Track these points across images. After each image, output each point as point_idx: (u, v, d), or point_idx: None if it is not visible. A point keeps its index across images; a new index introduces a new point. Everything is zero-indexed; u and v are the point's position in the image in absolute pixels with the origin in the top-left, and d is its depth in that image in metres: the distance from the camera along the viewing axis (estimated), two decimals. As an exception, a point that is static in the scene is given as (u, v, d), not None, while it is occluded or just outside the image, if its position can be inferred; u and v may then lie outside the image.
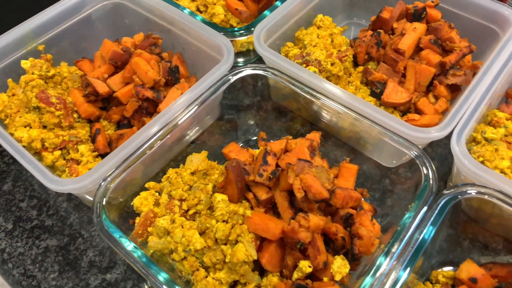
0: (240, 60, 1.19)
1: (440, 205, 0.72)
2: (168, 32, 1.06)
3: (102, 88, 0.94)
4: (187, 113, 0.86)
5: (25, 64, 0.97)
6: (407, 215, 0.72)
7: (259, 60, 0.97)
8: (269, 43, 1.04)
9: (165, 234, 0.76)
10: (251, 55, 1.19)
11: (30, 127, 0.90)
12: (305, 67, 0.98)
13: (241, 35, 1.01)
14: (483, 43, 1.03)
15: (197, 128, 0.98)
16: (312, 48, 1.01)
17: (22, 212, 0.92)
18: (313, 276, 0.76)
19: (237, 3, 1.13)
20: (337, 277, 0.73)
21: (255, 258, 0.74)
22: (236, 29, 1.01)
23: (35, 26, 1.02)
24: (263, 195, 0.80)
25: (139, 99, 0.93)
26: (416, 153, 0.78)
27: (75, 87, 0.98)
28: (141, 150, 0.81)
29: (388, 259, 0.69)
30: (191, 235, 0.74)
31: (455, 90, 1.00)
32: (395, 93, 0.97)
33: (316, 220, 0.74)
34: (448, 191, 0.73)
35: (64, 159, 0.90)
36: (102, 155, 0.92)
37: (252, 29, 1.00)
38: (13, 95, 0.95)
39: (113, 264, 0.85)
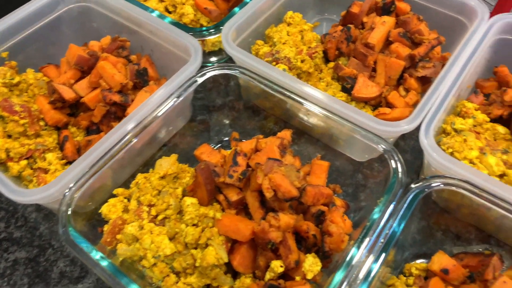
0: (213, 59, 1.18)
1: (409, 199, 0.72)
2: (136, 34, 1.04)
3: (68, 94, 0.92)
4: (155, 115, 0.85)
5: (-13, 72, 0.95)
6: (376, 210, 0.72)
7: (231, 59, 0.97)
8: (240, 41, 1.03)
9: (134, 241, 0.75)
10: (223, 54, 1.18)
11: (-6, 137, 0.88)
12: (275, 65, 0.97)
13: (210, 34, 1.00)
14: (452, 34, 1.04)
15: (168, 130, 0.97)
16: (282, 45, 1.00)
17: (-10, 225, 0.91)
18: (286, 275, 0.75)
19: (206, 2, 1.12)
20: (309, 276, 0.72)
21: (226, 261, 0.73)
22: (204, 28, 1.00)
23: (-3, 32, 0.99)
24: (233, 196, 0.79)
25: (107, 103, 0.92)
26: (384, 148, 0.78)
27: (41, 94, 0.96)
28: (108, 155, 0.80)
29: (358, 254, 0.69)
30: (160, 240, 0.73)
31: (425, 82, 1.00)
32: (365, 87, 0.97)
33: (286, 219, 0.73)
34: (416, 185, 0.73)
35: (32, 168, 0.88)
36: (72, 163, 0.91)
37: (221, 28, 0.99)
38: (-23, 104, 0.93)
39: (85, 273, 0.84)
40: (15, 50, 1.03)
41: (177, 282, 0.73)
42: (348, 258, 0.68)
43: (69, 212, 0.73)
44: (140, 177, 0.83)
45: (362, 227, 0.72)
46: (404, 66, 0.98)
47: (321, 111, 0.85)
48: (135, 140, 0.83)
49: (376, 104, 0.99)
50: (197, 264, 0.72)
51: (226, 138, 1.01)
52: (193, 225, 0.76)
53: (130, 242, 0.75)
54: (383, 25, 1.01)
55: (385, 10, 1.04)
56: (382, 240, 0.69)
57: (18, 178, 0.87)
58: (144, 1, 1.13)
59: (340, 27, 1.07)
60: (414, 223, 0.84)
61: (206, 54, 1.15)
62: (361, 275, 0.67)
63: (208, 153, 0.89)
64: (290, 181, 0.75)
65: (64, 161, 0.91)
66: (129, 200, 0.82)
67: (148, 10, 1.03)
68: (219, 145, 1.01)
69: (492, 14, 1.03)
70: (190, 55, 0.92)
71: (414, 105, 0.97)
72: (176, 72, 0.89)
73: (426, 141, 0.78)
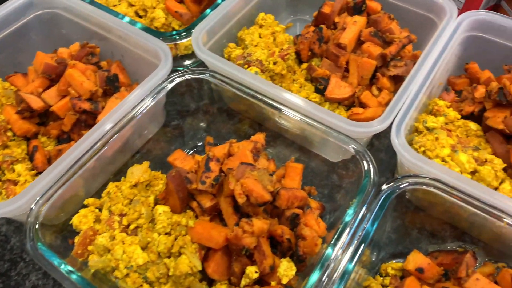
0: (187, 62, 1.17)
1: (381, 199, 0.73)
2: (106, 40, 1.03)
3: (36, 103, 0.90)
4: (125, 122, 0.83)
5: (-48, 83, 0.92)
6: (348, 212, 0.72)
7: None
8: (212, 43, 1.02)
9: (106, 252, 0.73)
10: (197, 57, 1.16)
11: (-41, 150, 0.86)
12: (247, 68, 0.96)
13: (181, 38, 0.99)
14: (423, 32, 1.04)
15: (141, 136, 0.96)
16: (253, 48, 0.99)
17: (-41, 240, 0.88)
18: (262, 281, 0.75)
19: (177, 6, 1.11)
20: (284, 280, 0.72)
21: (200, 268, 0.72)
22: (174, 32, 0.99)
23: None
24: (207, 202, 0.78)
25: (76, 111, 0.90)
26: (355, 149, 0.78)
27: (8, 104, 0.93)
28: (77, 164, 0.78)
29: (332, 256, 0.68)
30: (132, 250, 0.72)
31: (398, 81, 1.00)
32: (338, 88, 0.97)
33: (260, 224, 0.72)
34: (387, 186, 0.73)
35: (0, 180, 0.86)
36: (42, 173, 0.89)
37: (192, 31, 0.98)
38: None
39: (58, 286, 0.82)
40: (-19, 59, 1.01)
41: (150, 292, 0.72)
42: (321, 261, 0.68)
43: (37, 225, 0.71)
44: (111, 186, 0.81)
45: (335, 229, 0.72)
46: (376, 65, 0.98)
47: (293, 113, 0.85)
48: (105, 148, 0.82)
49: (350, 104, 0.99)
50: (170, 273, 0.71)
51: (201, 143, 1.00)
52: (166, 233, 0.75)
53: (102, 253, 0.74)
54: (354, 25, 1.01)
55: (356, 9, 1.04)
56: (355, 242, 0.69)
57: (-13, 191, 0.85)
58: (113, 6, 1.11)
59: (313, 28, 1.07)
60: (389, 223, 0.84)
61: (180, 58, 1.13)
62: (336, 276, 0.67)
63: (182, 159, 0.88)
64: (262, 186, 0.74)
65: (34, 171, 0.89)
66: (100, 210, 0.80)
67: (118, 15, 1.01)
68: (194, 150, 1.00)
69: (461, 11, 1.04)
70: (161, 59, 0.91)
71: (387, 104, 0.96)
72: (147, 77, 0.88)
73: (397, 141, 0.79)
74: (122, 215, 0.77)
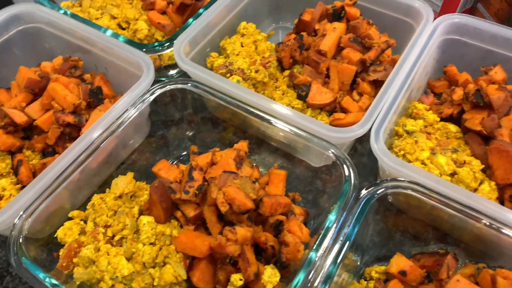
0: (172, 72, 1.18)
1: (361, 204, 0.74)
2: (89, 53, 1.04)
3: (19, 118, 0.91)
4: (108, 133, 0.84)
5: None
6: (329, 217, 0.73)
7: (188, 72, 0.97)
8: (195, 53, 1.03)
9: (91, 263, 0.74)
10: (181, 67, 1.18)
11: None
12: (229, 77, 0.97)
13: (163, 49, 1.00)
14: (402, 37, 1.06)
15: (125, 147, 0.96)
16: (235, 57, 1.01)
17: None
18: None
19: (160, 17, 1.12)
20: (268, 287, 0.73)
21: (185, 277, 0.73)
22: (156, 44, 1.00)
23: None
24: (191, 212, 0.79)
25: (60, 125, 0.91)
26: (336, 154, 0.80)
27: (-8, 119, 0.94)
28: (61, 177, 0.79)
29: (314, 262, 0.69)
30: (117, 262, 0.73)
31: (379, 86, 1.01)
32: (319, 94, 0.98)
33: (243, 232, 0.73)
34: (366, 191, 0.74)
35: (-15, 195, 0.86)
36: (27, 187, 0.89)
37: (174, 42, 0.99)
38: None
39: (44, 299, 0.82)
40: (-35, 75, 1.01)
41: (136, 303, 0.72)
42: (304, 266, 0.69)
43: (21, 240, 0.71)
44: (96, 198, 0.82)
45: (318, 234, 0.73)
46: (356, 71, 0.99)
47: (275, 121, 0.86)
48: (89, 160, 0.82)
49: (331, 109, 1.00)
50: (155, 283, 0.72)
51: (185, 152, 1.01)
52: (151, 243, 0.76)
53: (87, 265, 0.74)
54: (334, 31, 1.02)
55: (335, 16, 1.06)
56: (337, 246, 0.70)
57: (-29, 207, 0.85)
58: (95, 19, 1.12)
59: (294, 36, 1.08)
60: (372, 226, 0.85)
61: (164, 68, 1.14)
62: (319, 280, 0.68)
63: (166, 169, 0.89)
64: (245, 194, 0.75)
65: (19, 186, 0.89)
66: (86, 222, 0.81)
67: (101, 29, 1.02)
68: (179, 159, 1.01)
69: (439, 14, 1.06)
70: (143, 71, 0.92)
71: (368, 108, 0.98)
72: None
73: (377, 146, 0.80)
74: (106, 226, 0.77)
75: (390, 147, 0.89)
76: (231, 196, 0.73)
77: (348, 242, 0.70)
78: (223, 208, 0.74)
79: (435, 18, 1.02)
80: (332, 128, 0.82)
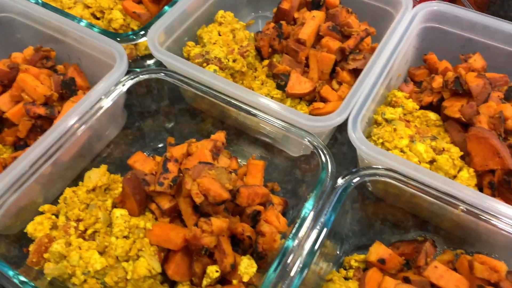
0: (149, 62, 1.15)
1: (337, 193, 0.73)
2: (62, 43, 1.00)
3: (-12, 110, 0.88)
4: (80, 124, 0.82)
5: None
6: (306, 205, 0.72)
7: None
8: (171, 42, 1.01)
9: (62, 258, 0.72)
10: (159, 58, 1.15)
11: None
12: (205, 66, 0.95)
13: (138, 38, 0.97)
14: (382, 25, 1.05)
15: (100, 140, 0.94)
16: (212, 46, 0.98)
17: None
18: (225, 280, 0.74)
19: (135, 6, 1.09)
20: (245, 278, 0.71)
21: (159, 271, 0.71)
22: (130, 33, 0.97)
23: None
24: (166, 204, 0.77)
25: (31, 117, 0.88)
26: (312, 142, 0.78)
27: (-40, 112, 0.91)
28: (30, 170, 0.76)
29: (290, 250, 0.68)
30: (89, 256, 0.71)
31: (359, 74, 1.01)
32: (299, 83, 0.97)
33: (219, 223, 0.72)
34: (343, 179, 0.73)
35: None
36: None
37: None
38: None
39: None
40: None
41: (109, 298, 0.70)
42: (280, 255, 0.68)
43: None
44: (68, 191, 0.80)
45: (294, 223, 0.72)
46: (335, 59, 0.98)
47: (251, 110, 0.84)
48: (60, 152, 0.80)
49: (311, 99, 0.99)
50: (128, 277, 0.70)
51: (162, 144, 0.99)
52: (124, 237, 0.74)
53: (58, 260, 0.72)
54: (313, 20, 1.01)
55: (314, 4, 1.05)
56: (314, 234, 0.69)
57: None
58: (68, 8, 1.09)
59: (273, 25, 1.06)
60: (351, 215, 0.84)
61: (140, 59, 1.12)
62: (295, 269, 0.66)
63: (142, 161, 0.87)
64: (220, 184, 0.74)
65: (-11, 181, 0.86)
66: (57, 216, 0.79)
67: (75, 19, 0.99)
68: (155, 152, 0.98)
69: (418, 2, 1.05)
70: (116, 61, 0.89)
71: (347, 97, 0.97)
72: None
73: (354, 134, 0.79)
74: (78, 220, 0.75)
75: (369, 136, 0.88)
76: (206, 187, 0.72)
77: (325, 231, 0.69)
78: (198, 199, 0.72)
79: (414, 6, 1.01)
80: (310, 117, 0.81)
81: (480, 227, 0.74)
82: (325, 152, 0.76)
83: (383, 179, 0.74)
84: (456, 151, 0.85)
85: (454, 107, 0.91)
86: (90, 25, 0.98)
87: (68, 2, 1.10)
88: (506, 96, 0.93)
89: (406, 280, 0.72)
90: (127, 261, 0.72)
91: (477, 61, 0.98)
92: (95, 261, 0.70)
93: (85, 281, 0.71)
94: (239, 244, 0.77)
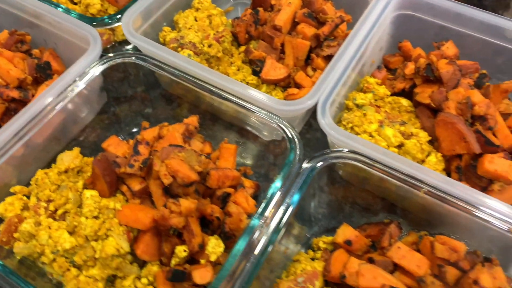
0: (129, 47, 1.15)
1: (303, 174, 0.74)
2: (38, 28, 1.00)
3: (-39, 93, 0.88)
4: (52, 107, 0.82)
5: None
6: (272, 186, 0.73)
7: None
8: (147, 27, 1.01)
9: (31, 238, 0.73)
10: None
11: None
12: (180, 51, 0.96)
13: (113, 22, 0.97)
14: (358, 13, 1.05)
15: (76, 124, 0.95)
16: (187, 30, 0.99)
17: None
18: (194, 260, 0.76)
19: (113, -9, 1.09)
20: (212, 258, 0.73)
21: (127, 250, 0.72)
22: (105, 17, 0.97)
23: None
24: (136, 186, 0.78)
25: (5, 100, 0.88)
26: (280, 125, 0.80)
27: None
28: (1, 151, 0.77)
29: (255, 229, 0.69)
30: (58, 235, 0.72)
31: (334, 61, 1.02)
32: (274, 69, 0.98)
33: (187, 204, 0.73)
34: (309, 161, 0.75)
35: None
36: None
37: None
38: None
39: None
40: None
41: (78, 276, 0.72)
42: (245, 233, 0.69)
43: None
44: (40, 173, 0.81)
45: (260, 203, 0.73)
46: (310, 46, 0.99)
47: (222, 94, 0.85)
48: (32, 134, 0.80)
49: (286, 85, 1.00)
50: (97, 256, 0.71)
51: (137, 129, 1.00)
52: (94, 217, 0.75)
53: (28, 240, 0.73)
54: (289, 6, 1.02)
55: (291, -9, 1.05)
56: (279, 215, 0.71)
57: None
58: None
59: (250, 11, 1.07)
60: (321, 198, 0.86)
61: (118, 44, 1.12)
62: (258, 249, 0.68)
63: (115, 145, 0.88)
64: (189, 166, 0.75)
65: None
66: (29, 198, 0.79)
67: (51, 4, 0.99)
68: (130, 136, 0.99)
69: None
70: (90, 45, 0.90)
71: (320, 83, 0.98)
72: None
73: (322, 118, 0.80)
74: (49, 201, 0.76)
75: (339, 121, 0.90)
76: (174, 169, 0.73)
77: (290, 210, 0.71)
78: (166, 181, 0.73)
79: (389, -7, 1.02)
80: (280, 101, 0.82)
81: (443, 210, 0.75)
82: (293, 134, 0.77)
83: (347, 161, 0.75)
84: (424, 136, 0.86)
85: (425, 93, 0.92)
86: (67, 10, 0.98)
87: (45, -14, 1.10)
88: (477, 83, 0.94)
89: (370, 261, 0.74)
90: (96, 240, 0.73)
91: (449, 48, 1.00)
92: (64, 240, 0.71)
93: (54, 260, 0.72)
94: (208, 226, 0.79)
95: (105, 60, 0.88)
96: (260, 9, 1.06)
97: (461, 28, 1.01)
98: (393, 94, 0.98)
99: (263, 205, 0.71)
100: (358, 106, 0.90)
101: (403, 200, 0.84)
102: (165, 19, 1.07)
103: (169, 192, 0.77)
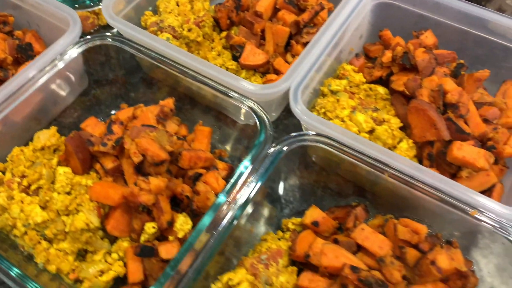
0: (114, 31, 1.17)
1: (272, 156, 0.75)
2: (20, 9, 1.02)
3: None
4: (28, 86, 0.84)
5: None
6: (240, 166, 0.74)
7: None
8: (129, 11, 1.03)
9: (4, 211, 0.75)
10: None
11: None
12: (159, 35, 0.97)
13: (95, 4, 0.99)
14: (340, 0, 1.06)
15: (57, 105, 0.96)
16: (167, 14, 1.00)
17: None
18: (164, 237, 0.78)
19: (97, -25, 1.10)
20: (180, 234, 0.75)
21: (97, 225, 0.74)
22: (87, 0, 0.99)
23: None
24: (109, 164, 0.80)
25: (-15, 79, 0.90)
26: (250, 107, 0.81)
27: None
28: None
29: (220, 206, 0.71)
30: (30, 209, 0.74)
31: (314, 48, 1.03)
32: (253, 55, 0.99)
33: (156, 182, 0.75)
34: (277, 143, 0.76)
35: None
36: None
37: (108, -2, 0.98)
38: None
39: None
40: None
41: (48, 249, 0.73)
42: (211, 210, 0.71)
43: None
44: (16, 150, 0.82)
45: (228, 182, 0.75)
46: (290, 32, 1.00)
47: (197, 76, 0.86)
48: (9, 110, 0.82)
49: (265, 71, 1.01)
50: (67, 229, 0.73)
51: (116, 112, 1.01)
52: (66, 193, 0.77)
53: (0, 213, 0.75)
54: (270, -7, 1.02)
55: (273, -22, 1.06)
56: (245, 193, 0.72)
57: None
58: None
59: (233, -4, 1.08)
60: (293, 181, 0.87)
61: (102, 28, 1.13)
62: (222, 225, 0.69)
63: (93, 125, 0.90)
64: (160, 145, 0.77)
65: None
66: (4, 173, 0.81)
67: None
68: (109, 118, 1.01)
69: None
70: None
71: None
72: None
73: (294, 102, 0.81)
74: (23, 176, 0.78)
75: (313, 106, 0.91)
76: (144, 147, 0.75)
77: (256, 189, 0.72)
78: (136, 159, 0.75)
79: (370, -18, 1.03)
80: (255, 85, 0.83)
81: (409, 194, 0.77)
82: (262, 116, 0.79)
83: (314, 144, 0.76)
84: (395, 122, 0.87)
85: (400, 81, 0.93)
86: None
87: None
88: (454, 72, 0.95)
89: (335, 241, 0.75)
90: (67, 215, 0.75)
91: (428, 37, 1.00)
92: (36, 214, 0.73)
93: (25, 233, 0.74)
94: (179, 204, 0.81)
95: (83, 42, 0.89)
96: (243, -5, 1.07)
97: (439, 17, 1.02)
98: (371, 82, 0.99)
99: (230, 183, 0.73)
100: (333, 92, 0.91)
101: (373, 184, 0.85)
102: (150, 3, 1.08)
103: (141, 171, 0.79)
